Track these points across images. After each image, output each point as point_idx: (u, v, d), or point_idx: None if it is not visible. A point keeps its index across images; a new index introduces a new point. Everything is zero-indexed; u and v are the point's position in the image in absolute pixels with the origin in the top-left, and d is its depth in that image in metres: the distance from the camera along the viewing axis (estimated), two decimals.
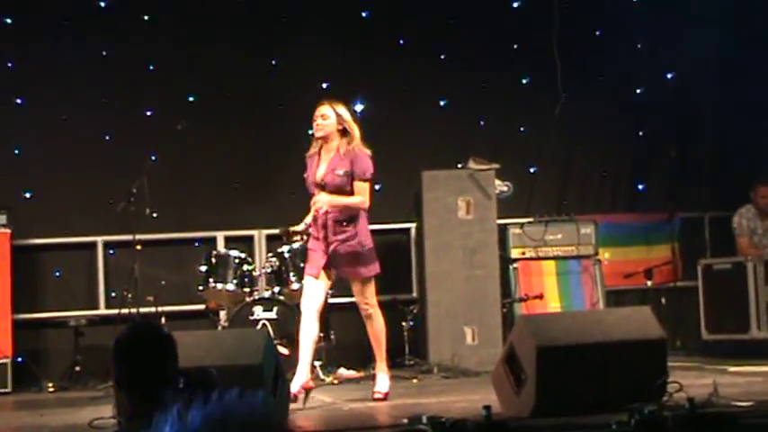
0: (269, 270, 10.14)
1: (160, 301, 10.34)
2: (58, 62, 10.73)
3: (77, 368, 10.07)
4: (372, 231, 8.36)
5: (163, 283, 10.61)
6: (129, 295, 10.17)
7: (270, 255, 10.32)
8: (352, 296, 10.74)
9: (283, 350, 9.31)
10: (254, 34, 11.21)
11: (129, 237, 10.16)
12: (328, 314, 10.27)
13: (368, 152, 8.28)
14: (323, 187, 8.23)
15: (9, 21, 10.78)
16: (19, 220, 10.27)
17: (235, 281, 9.95)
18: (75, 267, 10.80)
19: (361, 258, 8.31)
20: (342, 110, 8.28)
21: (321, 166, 8.27)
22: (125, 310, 10.14)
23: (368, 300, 8.50)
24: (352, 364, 10.32)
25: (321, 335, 9.30)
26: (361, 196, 8.22)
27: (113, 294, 10.62)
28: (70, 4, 10.85)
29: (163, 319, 10.05)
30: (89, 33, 10.81)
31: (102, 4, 10.92)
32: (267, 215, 10.90)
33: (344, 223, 8.25)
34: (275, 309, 9.80)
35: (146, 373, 4.32)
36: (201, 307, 10.31)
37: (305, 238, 9.01)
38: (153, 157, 10.50)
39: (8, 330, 9.98)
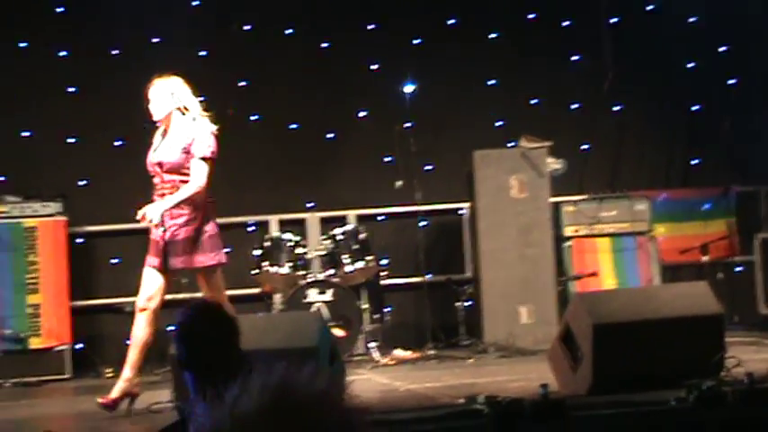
0: (322, 253, 10.15)
1: None
2: (110, 49, 10.77)
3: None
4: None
5: None
6: (184, 280, 10.21)
7: (323, 237, 10.33)
8: (405, 275, 10.81)
9: (338, 332, 9.32)
10: (307, 16, 11.20)
11: None
12: (383, 294, 10.28)
13: (212, 127, 7.70)
14: (159, 166, 7.65)
15: (61, 9, 10.83)
16: (75, 208, 10.33)
17: (289, 264, 9.97)
18: (131, 254, 10.84)
19: (201, 245, 7.64)
20: (175, 86, 7.70)
21: (160, 146, 7.69)
22: (180, 296, 10.19)
23: (215, 294, 7.71)
24: (407, 344, 10.31)
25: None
26: (197, 178, 7.53)
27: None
28: None
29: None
30: (142, 20, 10.84)
31: None
32: (320, 198, 10.91)
33: (182, 204, 7.59)
34: (329, 291, 9.81)
35: (208, 353, 4.29)
36: (256, 291, 10.34)
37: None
38: None
39: (66, 317, 10.07)
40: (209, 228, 7.67)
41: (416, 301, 10.69)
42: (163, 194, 7.60)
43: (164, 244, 7.57)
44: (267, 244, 10.02)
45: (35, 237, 10.06)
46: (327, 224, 10.68)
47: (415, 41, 11.28)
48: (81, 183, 10.74)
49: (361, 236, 10.11)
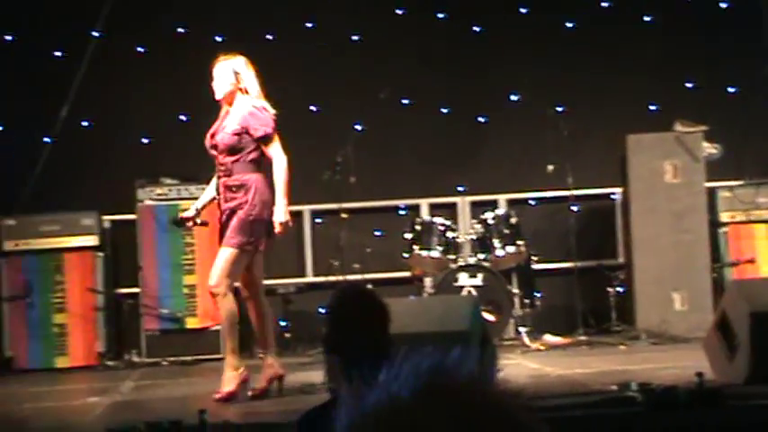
0: (473, 237, 10.15)
1: (366, 269, 10.47)
2: (264, 33, 10.89)
3: (287, 335, 10.27)
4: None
5: (368, 250, 10.71)
6: (336, 263, 10.33)
7: (474, 221, 10.32)
8: (556, 260, 10.74)
9: (489, 317, 9.31)
10: (455, 3, 11.18)
11: (335, 205, 10.32)
12: (533, 278, 10.23)
13: (270, 110, 7.69)
14: (214, 147, 7.69)
15: None
16: None
17: (439, 248, 9.99)
18: (284, 236, 10.98)
19: (241, 227, 7.59)
20: (239, 66, 7.70)
21: (219, 127, 7.74)
22: (332, 278, 10.32)
23: (253, 278, 7.81)
24: (558, 329, 10.25)
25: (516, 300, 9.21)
26: (278, 157, 7.59)
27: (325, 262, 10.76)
28: None
29: (369, 287, 10.16)
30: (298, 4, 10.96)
31: None
32: (471, 182, 10.90)
33: (234, 189, 7.63)
34: (480, 275, 9.80)
35: (356, 337, 4.31)
36: (407, 274, 10.38)
37: (197, 222, 8.25)
38: (358, 127, 10.60)
39: None
40: (257, 212, 7.62)
41: (567, 287, 10.60)
42: (219, 176, 7.73)
43: (220, 228, 7.73)
44: (418, 227, 10.05)
45: None
46: (478, 208, 10.66)
47: (568, 24, 11.17)
48: None
49: (512, 220, 10.07)
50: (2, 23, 10.72)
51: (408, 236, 10.05)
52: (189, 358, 9.95)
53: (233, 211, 7.61)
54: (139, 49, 10.79)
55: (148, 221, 10.25)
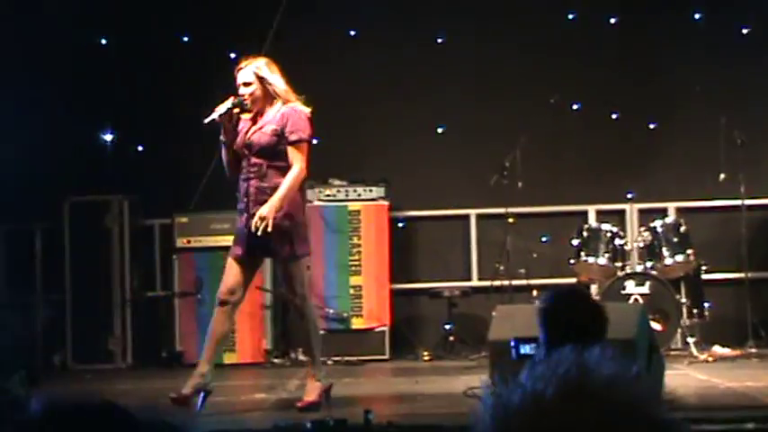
0: (641, 244, 10.00)
1: (531, 274, 10.43)
2: (435, 37, 10.93)
3: (451, 338, 10.29)
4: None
5: (534, 255, 10.66)
6: (502, 267, 10.31)
7: (642, 229, 10.18)
8: (727, 270, 10.50)
9: (656, 326, 9.17)
10: (630, 6, 11.03)
11: (501, 210, 10.30)
12: (702, 288, 10.03)
13: (305, 110, 7.33)
14: (249, 148, 7.31)
15: None
16: (396, 193, 10.58)
17: (606, 255, 9.88)
18: (449, 239, 11.03)
19: (287, 234, 7.20)
20: (263, 67, 7.33)
21: (251, 129, 7.35)
22: (497, 282, 10.30)
23: (296, 289, 7.31)
24: (727, 341, 10.03)
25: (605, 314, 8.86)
26: (297, 164, 7.19)
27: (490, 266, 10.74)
28: None
29: (534, 292, 10.12)
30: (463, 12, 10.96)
31: None
32: (640, 189, 10.75)
33: (269, 191, 7.20)
34: (647, 283, 9.66)
35: (570, 339, 4.15)
36: (573, 280, 10.29)
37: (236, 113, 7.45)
38: (525, 132, 10.54)
39: (386, 299, 10.32)
40: (299, 215, 7.32)
41: (737, 298, 10.38)
42: (248, 178, 7.33)
43: (247, 233, 7.26)
44: (585, 234, 9.96)
45: (359, 220, 10.36)
46: (646, 215, 10.51)
47: (743, 30, 10.92)
48: (402, 168, 10.95)
49: (682, 228, 9.90)
50: (180, 25, 10.97)
51: (575, 242, 9.96)
52: (354, 358, 10.04)
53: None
54: (311, 50, 10.92)
55: (317, 221, 10.37)
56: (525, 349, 4.70)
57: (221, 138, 7.45)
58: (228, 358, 10.22)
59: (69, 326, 10.14)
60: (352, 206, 10.41)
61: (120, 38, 10.91)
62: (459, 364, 9.56)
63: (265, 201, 7.15)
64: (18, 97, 10.36)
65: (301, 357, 10.15)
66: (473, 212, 10.89)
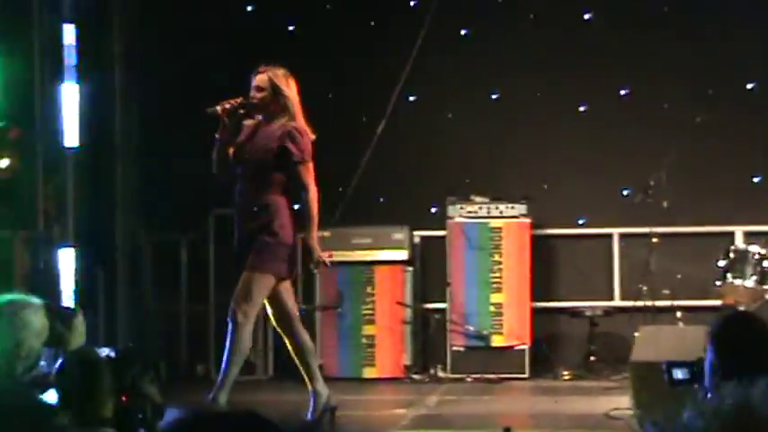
0: None
1: (675, 295, 10.24)
2: (575, 55, 10.83)
3: (592, 357, 10.16)
4: None
5: (678, 276, 10.46)
6: (645, 288, 10.15)
7: None
8: None
9: None
10: None
11: (646, 229, 10.14)
12: None
13: (308, 131, 7.13)
14: (246, 160, 7.07)
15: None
16: (538, 210, 10.50)
17: (754, 277, 9.63)
18: (591, 258, 10.89)
19: (261, 247, 6.97)
20: (280, 78, 7.10)
21: (252, 139, 7.11)
22: (640, 303, 10.15)
23: (240, 301, 7.03)
24: None
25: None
26: (308, 184, 7.05)
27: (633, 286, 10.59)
28: None
29: (678, 313, 9.95)
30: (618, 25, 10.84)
31: None
32: None
33: (257, 208, 7.00)
34: None
35: (749, 365, 3.94)
36: (718, 303, 10.06)
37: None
38: (671, 151, 10.36)
39: (527, 317, 10.25)
40: (288, 238, 7.11)
41: None
42: (241, 191, 7.13)
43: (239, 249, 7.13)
44: (732, 255, 9.72)
45: (500, 237, 10.31)
46: None
47: None
48: (544, 185, 10.86)
49: None
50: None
51: (721, 263, 9.74)
52: (493, 376, 9.98)
53: (254, 233, 7.06)
54: (456, 68, 10.92)
55: (458, 238, 10.36)
56: (679, 374, 4.56)
57: (216, 135, 7.25)
58: (368, 372, 10.26)
59: (212, 337, 10.27)
60: (494, 223, 10.36)
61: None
62: (599, 385, 9.44)
63: (255, 218, 7.01)
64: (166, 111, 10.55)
65: (440, 374, 10.15)
66: (616, 231, 10.74)
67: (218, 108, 7.17)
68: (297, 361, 7.33)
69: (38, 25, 9.33)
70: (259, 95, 7.11)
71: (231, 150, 7.19)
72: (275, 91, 7.10)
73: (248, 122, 7.27)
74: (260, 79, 7.14)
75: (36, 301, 5.28)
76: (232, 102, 7.16)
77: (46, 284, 9.37)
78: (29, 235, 9.20)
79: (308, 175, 7.11)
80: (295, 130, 7.10)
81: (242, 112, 7.21)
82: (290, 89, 7.16)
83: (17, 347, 5.07)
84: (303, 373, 7.34)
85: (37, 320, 5.20)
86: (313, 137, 7.23)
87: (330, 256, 7.12)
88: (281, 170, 7.08)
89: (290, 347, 7.32)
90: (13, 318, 5.14)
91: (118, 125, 10.56)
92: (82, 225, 9.85)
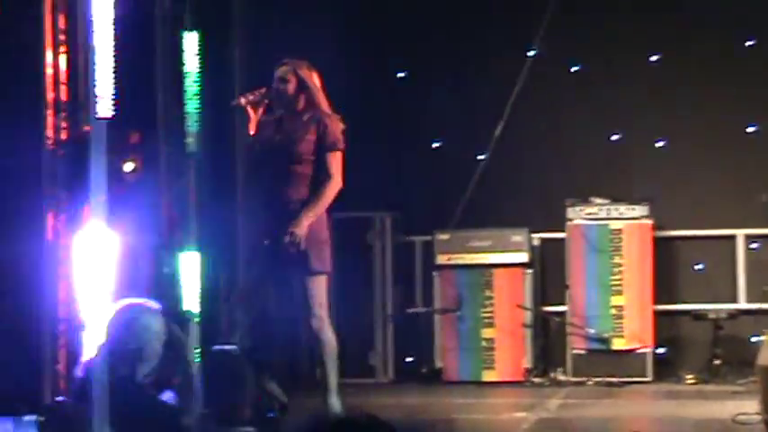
0: None
1: None
2: (700, 57, 10.65)
3: (716, 361, 9.98)
4: None
5: None
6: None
7: None
8: None
9: None
10: None
11: None
12: None
13: (339, 121, 6.89)
14: (278, 152, 6.85)
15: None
16: (660, 211, 10.35)
17: None
18: (716, 260, 10.70)
19: (324, 250, 6.80)
20: (304, 71, 6.92)
21: (282, 131, 6.91)
22: (766, 305, 9.95)
23: (312, 308, 6.80)
24: None
25: None
26: (336, 173, 6.77)
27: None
28: None
29: None
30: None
31: None
32: None
33: (297, 202, 6.78)
34: None
35: None
36: None
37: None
38: None
39: (649, 320, 10.11)
40: (325, 232, 6.93)
41: None
42: (274, 186, 6.89)
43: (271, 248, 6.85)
44: None
45: (621, 239, 10.19)
46: None
47: None
48: (668, 187, 10.71)
49: None
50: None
51: None
52: (615, 380, 9.86)
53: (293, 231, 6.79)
54: (573, 68, 10.82)
55: (578, 240, 10.26)
56: None
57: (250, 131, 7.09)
58: (488, 376, 10.22)
59: None
60: (615, 225, 10.25)
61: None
62: (725, 389, 9.26)
63: (292, 211, 6.81)
64: None
65: (561, 377, 10.06)
66: (740, 233, 10.54)
67: (242, 100, 7.09)
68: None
69: (160, 33, 9.48)
70: (284, 87, 7.00)
71: (256, 146, 7.05)
72: (300, 83, 6.98)
73: (267, 118, 7.10)
74: (283, 71, 7.02)
75: (154, 305, 5.36)
76: (256, 93, 7.07)
77: (170, 289, 9.51)
78: (153, 240, 9.33)
79: (337, 163, 6.89)
80: (326, 117, 6.95)
81: (266, 102, 7.11)
82: (314, 80, 7.05)
83: (140, 351, 5.16)
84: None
85: (157, 324, 5.29)
86: (342, 126, 7.06)
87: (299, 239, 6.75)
88: (315, 161, 6.91)
89: None
90: (134, 322, 5.23)
91: (238, 129, 10.67)
92: (205, 230, 9.97)
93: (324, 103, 7.03)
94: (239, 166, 10.63)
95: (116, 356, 4.90)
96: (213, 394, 4.44)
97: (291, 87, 6.96)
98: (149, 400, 4.86)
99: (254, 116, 7.07)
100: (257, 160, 7.11)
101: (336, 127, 6.96)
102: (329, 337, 6.95)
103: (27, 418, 4.31)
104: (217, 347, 4.82)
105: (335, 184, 6.90)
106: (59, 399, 6.47)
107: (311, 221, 6.79)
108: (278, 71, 7.04)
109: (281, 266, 6.85)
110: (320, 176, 6.90)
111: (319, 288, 6.88)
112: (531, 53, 10.59)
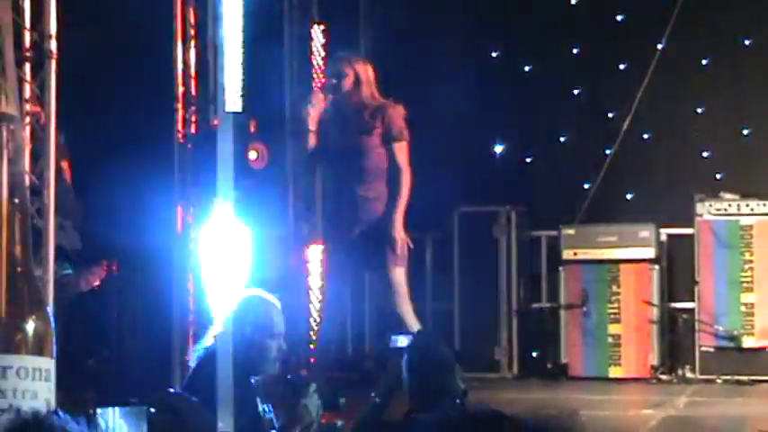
0: None
1: None
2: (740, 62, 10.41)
3: None
4: None
5: None
6: None
7: None
8: None
9: None
10: None
11: None
12: None
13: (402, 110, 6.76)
14: (348, 149, 6.75)
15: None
16: None
17: None
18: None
19: (399, 243, 6.72)
20: (361, 68, 6.84)
21: (345, 126, 6.79)
22: None
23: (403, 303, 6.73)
24: None
25: None
26: (405, 164, 6.73)
27: None
28: None
29: None
30: None
31: None
32: None
33: (374, 198, 6.74)
34: None
35: None
36: None
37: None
38: None
39: None
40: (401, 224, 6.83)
41: None
42: (350, 183, 6.82)
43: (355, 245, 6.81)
44: None
45: (751, 235, 10.00)
46: None
47: None
48: None
49: None
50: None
51: None
52: (744, 378, 9.69)
53: (374, 224, 6.81)
54: (703, 61, 10.66)
55: (707, 236, 10.10)
56: None
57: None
58: (614, 372, 10.12)
59: (457, 335, 10.32)
60: (745, 221, 10.06)
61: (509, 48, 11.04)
62: None
63: (371, 208, 6.80)
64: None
65: (689, 374, 9.92)
66: None
67: (312, 112, 7.12)
68: None
69: (288, 26, 9.57)
70: (342, 81, 6.97)
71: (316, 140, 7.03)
72: (357, 78, 6.96)
73: (326, 114, 7.07)
74: (339, 66, 7.03)
75: (272, 298, 5.39)
76: (318, 99, 7.10)
77: (295, 282, 9.60)
78: (279, 232, 9.43)
79: (404, 154, 6.89)
80: (390, 108, 6.91)
81: (326, 98, 7.12)
82: (369, 74, 7.02)
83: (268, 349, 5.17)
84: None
85: (279, 318, 5.30)
86: (404, 112, 7.01)
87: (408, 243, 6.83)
88: (382, 153, 6.89)
89: None
90: (250, 313, 5.23)
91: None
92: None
93: (379, 96, 6.98)
94: None
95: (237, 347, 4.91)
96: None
97: (349, 82, 6.94)
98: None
99: (315, 113, 7.09)
100: (321, 157, 7.11)
101: (399, 117, 6.92)
102: (414, 324, 6.89)
103: (136, 408, 4.36)
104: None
105: (407, 176, 6.89)
106: (170, 389, 6.58)
107: (401, 219, 6.80)
108: (334, 66, 7.07)
109: (361, 260, 6.88)
110: (390, 169, 6.87)
111: (403, 278, 6.85)
112: (660, 45, 10.44)
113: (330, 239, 7.15)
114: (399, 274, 6.85)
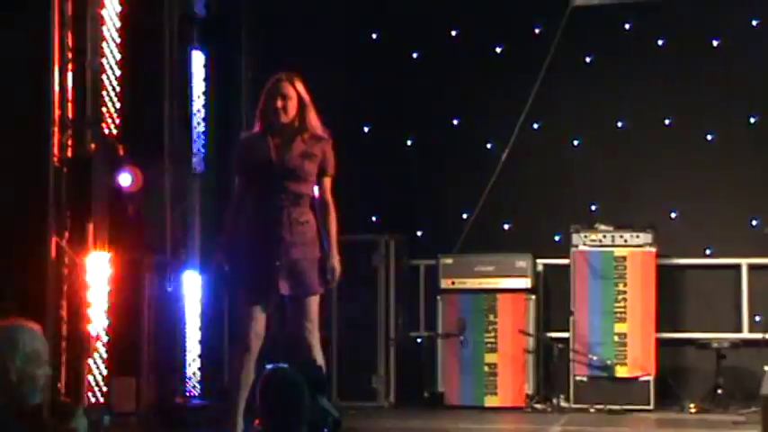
0: None
1: None
2: (704, 84, 10.67)
3: (719, 391, 9.93)
4: None
5: None
6: None
7: None
8: None
9: None
10: None
11: None
12: None
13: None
14: (289, 171, 6.55)
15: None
16: (664, 240, 10.32)
17: None
18: (719, 289, 10.67)
19: (319, 268, 6.58)
20: (304, 94, 6.62)
21: (284, 149, 6.60)
22: None
23: (313, 323, 6.60)
24: None
25: None
26: (331, 203, 6.61)
27: (757, 318, 10.37)
28: None
29: None
30: None
31: None
32: None
33: (302, 223, 6.56)
34: None
35: None
36: None
37: None
38: None
39: (651, 348, 10.07)
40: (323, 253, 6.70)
41: None
42: (282, 205, 6.57)
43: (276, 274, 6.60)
44: None
45: (625, 266, 10.17)
46: None
47: None
48: (671, 215, 10.70)
49: None
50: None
51: None
52: (617, 407, 9.84)
53: (299, 251, 6.59)
54: (580, 95, 10.84)
55: (582, 267, 10.25)
56: None
57: None
58: (490, 401, 10.20)
59: (335, 363, 10.31)
60: (619, 252, 10.23)
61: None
62: (727, 419, 9.22)
63: (301, 232, 6.57)
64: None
65: (563, 404, 10.03)
66: (744, 261, 10.51)
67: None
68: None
69: (168, 53, 9.50)
70: (287, 104, 6.65)
71: (267, 160, 6.66)
72: (300, 102, 6.68)
73: (258, 135, 6.75)
74: (284, 87, 6.67)
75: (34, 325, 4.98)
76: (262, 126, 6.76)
77: (172, 308, 9.51)
78: (157, 259, 9.33)
79: (331, 189, 6.73)
80: (326, 142, 6.71)
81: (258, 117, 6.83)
82: (306, 93, 6.73)
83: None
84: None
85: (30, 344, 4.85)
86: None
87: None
88: (312, 179, 6.68)
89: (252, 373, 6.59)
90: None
91: None
92: (208, 249, 9.97)
93: (317, 121, 6.75)
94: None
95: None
96: (268, 411, 4.35)
97: (293, 105, 6.68)
98: None
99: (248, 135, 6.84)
100: (252, 179, 6.77)
101: (332, 152, 6.77)
102: (319, 352, 6.80)
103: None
104: (270, 365, 4.64)
105: (334, 209, 6.72)
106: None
107: (335, 250, 6.64)
108: (277, 86, 6.70)
109: (280, 288, 6.62)
110: (316, 200, 6.71)
111: (316, 306, 6.70)
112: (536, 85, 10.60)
113: (250, 259, 6.85)
114: (316, 302, 6.73)
